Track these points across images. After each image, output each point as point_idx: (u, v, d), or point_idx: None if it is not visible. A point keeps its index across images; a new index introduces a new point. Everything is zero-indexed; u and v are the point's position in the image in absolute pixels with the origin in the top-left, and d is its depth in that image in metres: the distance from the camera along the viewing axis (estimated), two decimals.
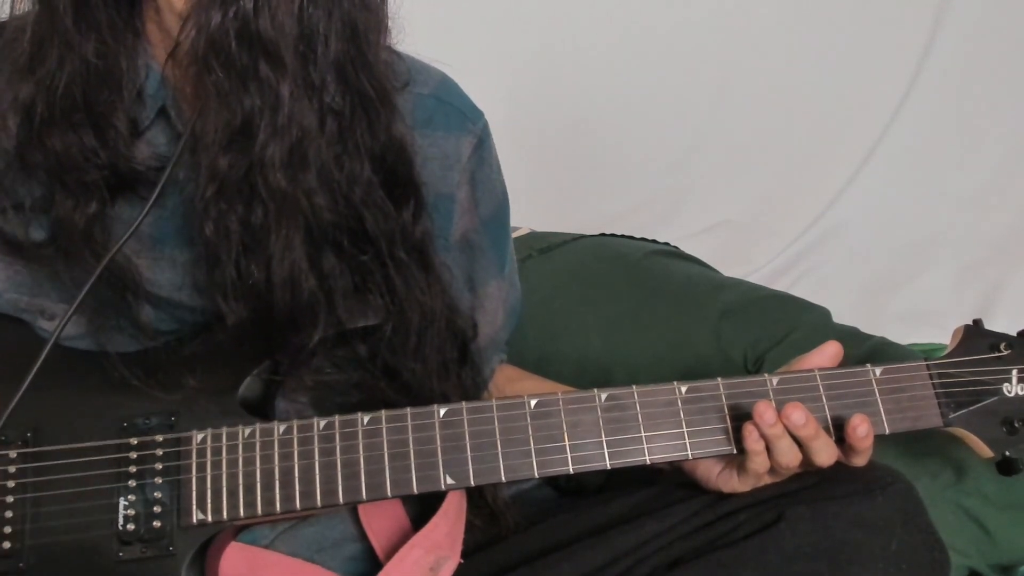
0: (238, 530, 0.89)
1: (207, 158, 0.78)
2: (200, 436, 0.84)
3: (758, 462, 0.85)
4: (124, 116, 0.82)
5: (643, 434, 0.86)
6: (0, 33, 0.84)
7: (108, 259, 0.79)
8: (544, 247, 1.58)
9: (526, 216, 1.62)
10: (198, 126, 0.78)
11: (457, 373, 0.93)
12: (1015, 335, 0.92)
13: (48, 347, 0.77)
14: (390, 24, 0.84)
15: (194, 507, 0.83)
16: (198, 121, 0.78)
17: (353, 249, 0.85)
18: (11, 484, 0.82)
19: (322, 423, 0.84)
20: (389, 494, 0.83)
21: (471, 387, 0.95)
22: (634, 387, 0.87)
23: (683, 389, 0.87)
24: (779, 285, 2.04)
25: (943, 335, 0.97)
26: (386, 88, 0.83)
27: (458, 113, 0.95)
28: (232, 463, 0.83)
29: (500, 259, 1.02)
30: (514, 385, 1.08)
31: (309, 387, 0.89)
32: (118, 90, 0.82)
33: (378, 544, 0.94)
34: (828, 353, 0.91)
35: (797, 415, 0.83)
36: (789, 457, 0.85)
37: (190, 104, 0.84)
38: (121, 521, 0.82)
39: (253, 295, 0.81)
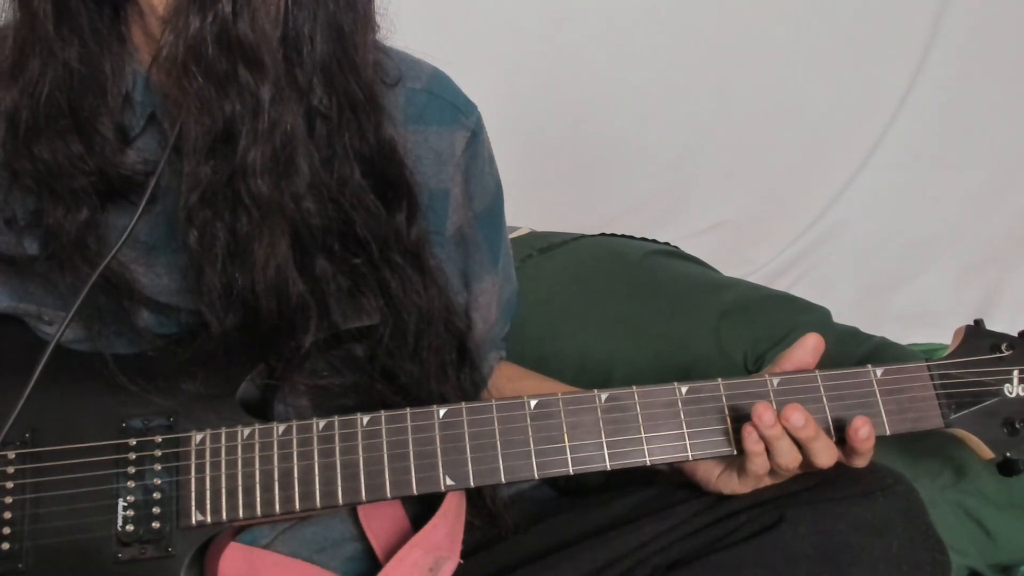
0: (237, 530, 0.89)
1: (190, 165, 0.77)
2: (199, 437, 0.84)
3: (758, 463, 0.85)
4: (110, 122, 0.81)
5: (643, 435, 0.86)
6: None
7: (101, 268, 0.78)
8: (544, 247, 1.58)
9: (526, 216, 1.63)
10: (179, 133, 0.77)
11: (456, 374, 0.93)
12: (1016, 335, 0.92)
13: (46, 356, 0.77)
14: (379, 21, 0.83)
15: (193, 508, 0.83)
16: (179, 128, 0.77)
17: (345, 253, 0.85)
18: (10, 485, 0.82)
19: (321, 424, 0.84)
20: (389, 495, 0.83)
21: (470, 388, 0.94)
22: (634, 388, 0.87)
23: (683, 390, 0.87)
24: (779, 285, 2.04)
25: (943, 335, 0.97)
26: (374, 90, 0.82)
27: (450, 107, 0.95)
28: (231, 464, 0.83)
29: (494, 253, 1.02)
30: (514, 384, 1.08)
31: (306, 391, 0.89)
32: (103, 96, 0.81)
33: (377, 544, 0.93)
34: (808, 346, 0.91)
35: (796, 416, 0.83)
36: (789, 458, 0.85)
37: (177, 110, 0.84)
38: (120, 522, 0.82)
39: (239, 302, 0.81)
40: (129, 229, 0.78)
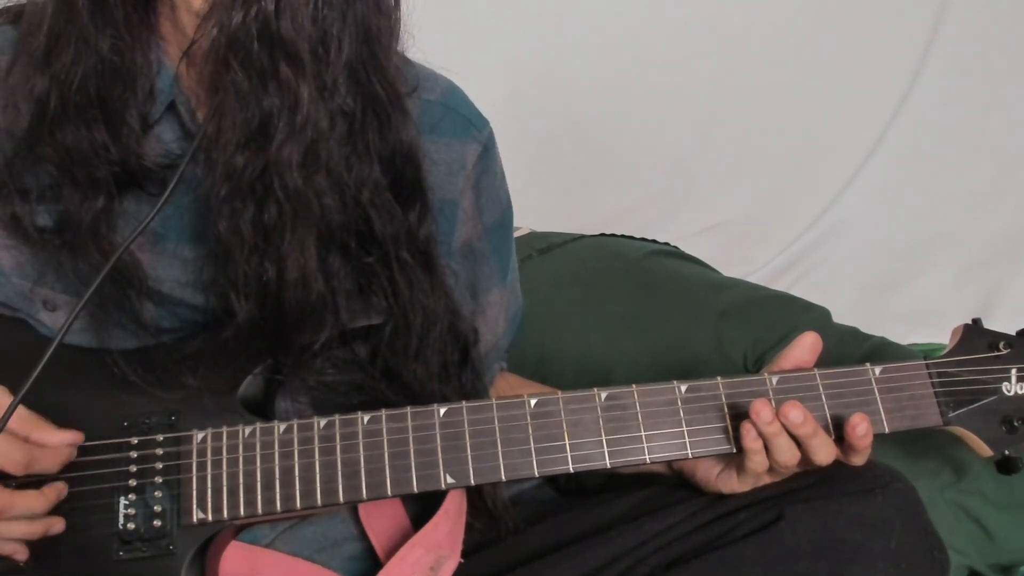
0: (238, 529, 0.89)
1: (223, 156, 0.78)
2: (200, 435, 0.84)
3: (757, 461, 0.85)
4: (137, 113, 0.82)
5: (643, 433, 0.86)
6: (17, 21, 0.84)
7: (116, 258, 0.79)
8: (544, 247, 1.58)
9: (526, 216, 1.63)
10: (213, 124, 0.78)
11: (458, 376, 0.93)
12: (1014, 334, 0.92)
13: (51, 350, 0.77)
14: (401, 30, 0.84)
15: (194, 506, 0.83)
16: (213, 119, 0.78)
17: (359, 251, 0.85)
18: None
19: (322, 422, 0.84)
20: (389, 493, 0.83)
21: (471, 391, 0.95)
22: (634, 386, 0.87)
23: (683, 388, 0.87)
24: (779, 285, 2.04)
25: (943, 335, 0.97)
26: (397, 91, 0.83)
27: (464, 120, 0.96)
28: (232, 462, 0.83)
29: (503, 267, 1.03)
30: (515, 392, 1.08)
31: (310, 387, 0.89)
32: (132, 87, 0.82)
33: (378, 544, 0.94)
34: (806, 344, 0.91)
35: (795, 413, 0.83)
36: (787, 455, 0.85)
37: (201, 101, 0.85)
38: (121, 520, 0.82)
39: (264, 293, 0.81)
40: (147, 220, 0.79)
